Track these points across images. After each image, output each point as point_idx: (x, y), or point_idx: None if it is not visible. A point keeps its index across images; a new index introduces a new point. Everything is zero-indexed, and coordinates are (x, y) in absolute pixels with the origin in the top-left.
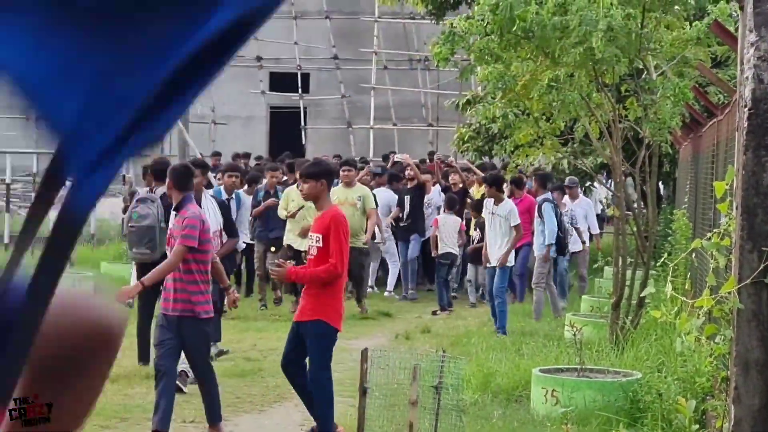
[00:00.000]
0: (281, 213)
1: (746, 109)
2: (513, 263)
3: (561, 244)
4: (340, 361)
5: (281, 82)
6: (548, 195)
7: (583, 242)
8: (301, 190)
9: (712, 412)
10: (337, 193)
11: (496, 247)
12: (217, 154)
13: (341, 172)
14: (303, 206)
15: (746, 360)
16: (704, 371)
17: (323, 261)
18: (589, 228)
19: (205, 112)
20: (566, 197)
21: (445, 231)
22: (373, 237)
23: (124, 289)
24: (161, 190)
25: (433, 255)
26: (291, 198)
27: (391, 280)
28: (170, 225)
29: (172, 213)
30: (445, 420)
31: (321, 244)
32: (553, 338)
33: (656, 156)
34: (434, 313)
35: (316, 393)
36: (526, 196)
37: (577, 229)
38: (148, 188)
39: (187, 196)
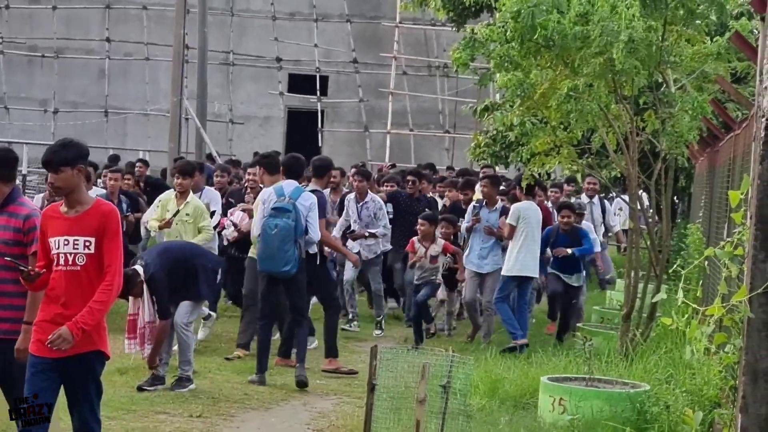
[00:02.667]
0: (153, 225)
1: (764, 119)
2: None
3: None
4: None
5: (300, 83)
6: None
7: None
8: (52, 182)
9: (718, 421)
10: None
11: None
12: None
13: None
14: (178, 211)
15: (755, 369)
16: (713, 382)
17: (97, 270)
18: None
19: (222, 111)
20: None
21: None
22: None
23: None
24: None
25: None
26: (166, 207)
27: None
28: None
29: None
30: (451, 424)
31: (93, 250)
32: (563, 348)
33: (672, 169)
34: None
35: None
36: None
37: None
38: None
39: (16, 189)
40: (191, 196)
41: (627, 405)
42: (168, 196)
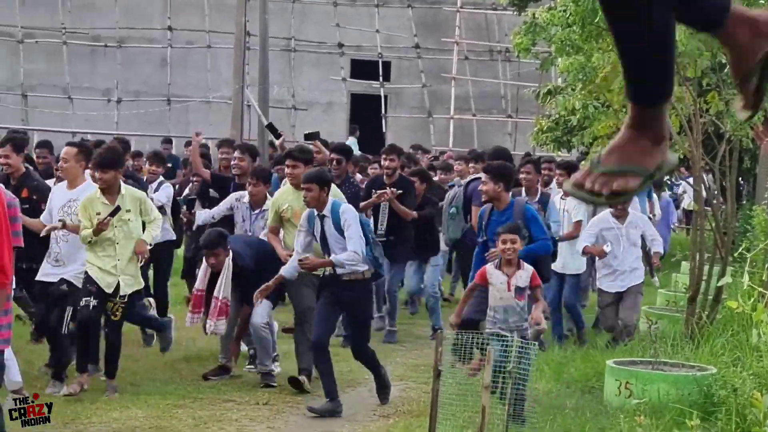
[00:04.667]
0: (86, 234)
1: None
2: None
3: None
4: (416, 347)
5: (362, 69)
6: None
7: None
8: None
9: None
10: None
11: None
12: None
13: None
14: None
15: None
16: None
17: None
18: None
19: (285, 96)
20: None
21: None
22: None
23: None
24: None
25: None
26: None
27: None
28: None
29: None
30: (518, 409)
31: None
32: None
33: (737, 151)
34: None
35: None
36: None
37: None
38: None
39: None
40: (124, 188)
41: (693, 388)
42: (92, 196)
